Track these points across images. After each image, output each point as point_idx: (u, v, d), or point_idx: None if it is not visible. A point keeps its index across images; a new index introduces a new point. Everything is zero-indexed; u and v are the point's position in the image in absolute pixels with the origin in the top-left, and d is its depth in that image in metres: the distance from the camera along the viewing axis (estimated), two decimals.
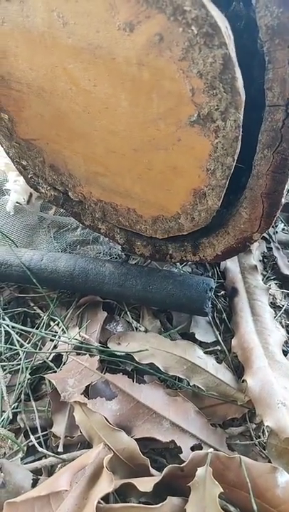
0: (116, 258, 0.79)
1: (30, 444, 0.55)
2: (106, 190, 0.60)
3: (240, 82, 0.39)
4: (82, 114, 0.52)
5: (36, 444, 0.54)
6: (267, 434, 0.56)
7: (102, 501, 0.45)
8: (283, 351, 0.64)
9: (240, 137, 0.43)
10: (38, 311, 0.73)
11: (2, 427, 0.56)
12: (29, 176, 0.67)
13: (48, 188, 0.67)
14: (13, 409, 0.59)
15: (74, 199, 0.65)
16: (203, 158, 0.47)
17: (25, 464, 0.53)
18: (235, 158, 0.45)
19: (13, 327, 0.68)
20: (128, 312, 0.71)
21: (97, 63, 0.46)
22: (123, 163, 0.54)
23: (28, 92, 0.54)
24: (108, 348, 0.64)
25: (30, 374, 0.62)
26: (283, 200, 0.49)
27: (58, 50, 0.47)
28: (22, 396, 0.60)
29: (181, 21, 0.38)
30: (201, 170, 0.48)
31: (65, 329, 0.67)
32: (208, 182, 0.49)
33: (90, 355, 0.62)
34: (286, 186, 0.48)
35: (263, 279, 0.78)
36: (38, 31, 0.47)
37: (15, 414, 0.59)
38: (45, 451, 0.53)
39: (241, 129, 0.43)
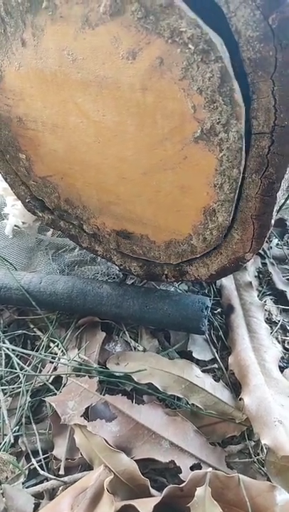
0: (114, 278, 0.80)
1: (31, 467, 0.56)
2: (118, 218, 0.61)
3: (238, 94, 0.41)
4: (92, 145, 0.54)
5: (38, 467, 0.55)
6: (265, 451, 0.57)
7: None
8: (280, 367, 0.64)
9: (244, 148, 0.44)
10: (38, 332, 0.73)
11: (4, 450, 0.57)
12: (27, 200, 0.69)
13: (46, 211, 0.69)
14: (14, 432, 0.59)
15: (88, 232, 0.66)
16: (210, 173, 0.48)
17: (26, 487, 0.53)
18: (241, 170, 0.46)
19: (13, 350, 0.69)
20: (126, 332, 0.72)
21: (104, 94, 0.48)
22: (133, 188, 0.56)
23: (43, 130, 0.57)
24: (107, 368, 0.65)
25: (30, 397, 0.63)
26: (273, 222, 0.51)
27: (68, 85, 0.50)
28: (23, 419, 0.61)
29: (178, 42, 0.40)
30: (209, 186, 0.49)
31: (64, 351, 0.68)
32: (216, 198, 0.50)
33: (89, 376, 0.62)
34: (275, 208, 0.49)
35: (258, 295, 0.79)
36: (50, 71, 0.51)
37: (16, 438, 0.59)
38: (46, 474, 0.54)
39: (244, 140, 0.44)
